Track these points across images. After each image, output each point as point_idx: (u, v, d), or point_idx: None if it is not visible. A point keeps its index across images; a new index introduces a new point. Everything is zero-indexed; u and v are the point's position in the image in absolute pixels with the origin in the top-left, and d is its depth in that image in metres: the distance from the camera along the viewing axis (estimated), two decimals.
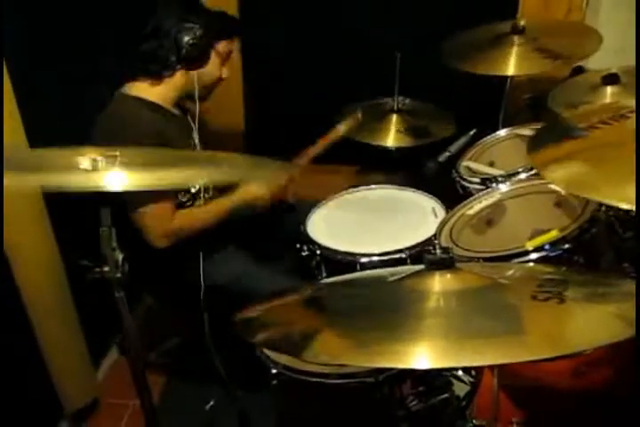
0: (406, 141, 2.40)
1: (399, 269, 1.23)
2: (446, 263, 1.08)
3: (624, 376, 1.49)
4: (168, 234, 1.91)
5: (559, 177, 1.17)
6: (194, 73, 1.93)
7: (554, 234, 1.51)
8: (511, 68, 2.09)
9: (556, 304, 0.94)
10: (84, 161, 0.97)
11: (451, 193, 2.08)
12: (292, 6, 2.78)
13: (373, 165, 2.55)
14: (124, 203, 1.84)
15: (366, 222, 2.08)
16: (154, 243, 1.91)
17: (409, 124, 2.44)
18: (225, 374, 2.10)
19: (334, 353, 0.90)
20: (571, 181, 1.16)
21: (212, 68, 1.95)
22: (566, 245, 1.47)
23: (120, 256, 1.02)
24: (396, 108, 2.45)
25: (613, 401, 1.46)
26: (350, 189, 2.26)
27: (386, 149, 2.43)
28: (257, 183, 2.02)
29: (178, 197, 1.97)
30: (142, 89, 1.93)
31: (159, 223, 1.90)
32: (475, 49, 2.21)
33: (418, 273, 1.10)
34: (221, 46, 1.95)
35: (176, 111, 2.03)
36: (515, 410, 1.49)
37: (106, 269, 1.02)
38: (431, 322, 0.96)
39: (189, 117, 2.07)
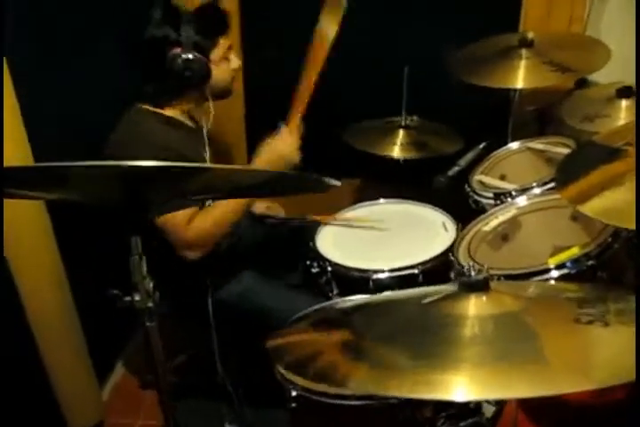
0: (412, 154, 2.37)
1: (431, 289, 1.20)
2: (481, 285, 1.05)
3: None
4: (188, 245, 1.82)
5: (596, 208, 1.15)
6: (205, 86, 1.88)
7: (575, 251, 1.49)
8: (520, 81, 2.07)
9: (601, 327, 0.91)
10: None
11: (461, 207, 2.06)
12: (298, 20, 2.75)
13: (380, 178, 2.52)
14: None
15: (376, 237, 2.05)
16: (184, 256, 1.83)
17: (415, 140, 2.41)
18: (234, 394, 2.07)
19: (375, 383, 0.87)
20: (609, 211, 1.15)
21: (220, 71, 1.88)
22: (589, 262, 1.45)
23: (151, 284, 0.99)
24: (403, 123, 2.43)
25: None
26: (359, 204, 2.23)
27: (393, 162, 2.41)
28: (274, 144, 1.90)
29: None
30: (157, 106, 1.91)
31: (177, 235, 1.80)
32: (482, 62, 2.20)
33: (452, 296, 1.07)
34: (217, 51, 1.86)
35: (190, 123, 2.00)
36: None
37: (137, 298, 0.98)
38: (468, 350, 0.93)
39: (202, 128, 2.01)
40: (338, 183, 1.01)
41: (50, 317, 1.95)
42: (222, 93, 1.96)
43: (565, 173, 1.43)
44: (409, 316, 1.05)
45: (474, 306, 1.02)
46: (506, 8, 2.65)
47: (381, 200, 2.24)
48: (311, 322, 1.17)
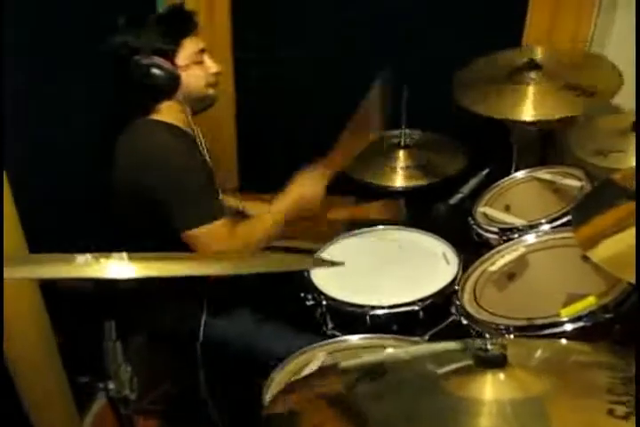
0: (413, 180, 2.27)
1: (444, 350, 1.10)
2: (498, 362, 0.95)
3: None
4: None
5: (603, 254, 1.05)
6: (178, 94, 1.77)
7: (591, 301, 1.38)
8: (529, 110, 1.97)
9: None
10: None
11: (463, 237, 1.97)
12: (297, 34, 2.65)
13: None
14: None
15: (374, 268, 1.95)
16: None
17: (416, 162, 2.31)
18: (220, 423, 1.98)
19: None
20: (615, 257, 1.05)
21: (192, 76, 1.77)
22: (607, 315, 1.35)
23: (129, 370, 0.87)
24: (402, 143, 2.32)
25: None
26: (356, 231, 2.13)
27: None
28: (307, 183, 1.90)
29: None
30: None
31: (217, 244, 1.72)
32: (485, 86, 2.09)
33: (466, 370, 0.97)
34: (184, 55, 1.74)
35: (191, 132, 1.89)
36: None
37: (111, 386, 0.87)
38: None
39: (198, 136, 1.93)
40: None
41: (27, 345, 1.86)
42: (201, 101, 1.85)
43: (581, 212, 1.34)
44: (418, 396, 0.94)
45: (490, 387, 0.92)
46: (509, 23, 2.55)
47: (380, 226, 2.14)
48: (309, 395, 1.05)
